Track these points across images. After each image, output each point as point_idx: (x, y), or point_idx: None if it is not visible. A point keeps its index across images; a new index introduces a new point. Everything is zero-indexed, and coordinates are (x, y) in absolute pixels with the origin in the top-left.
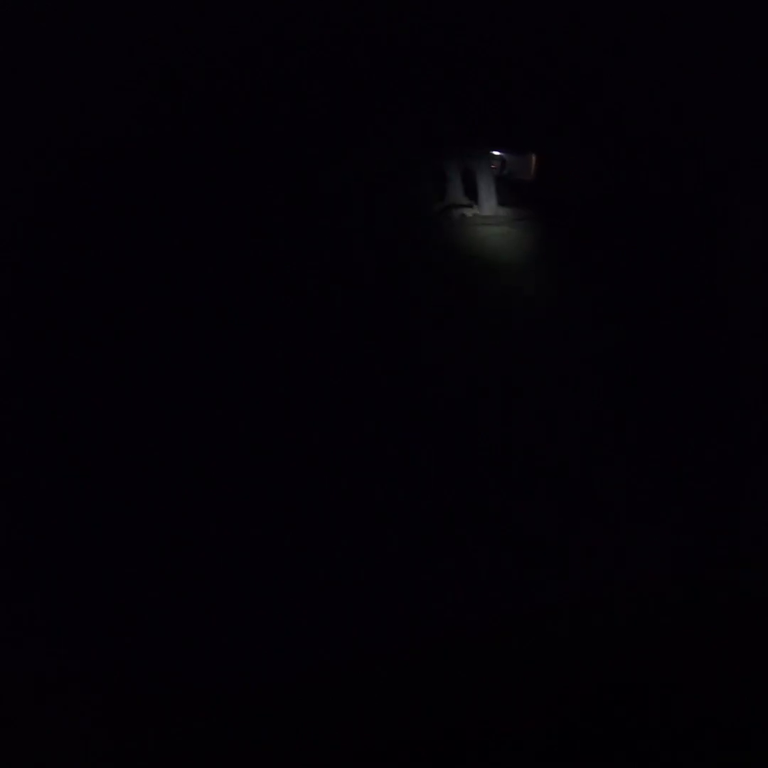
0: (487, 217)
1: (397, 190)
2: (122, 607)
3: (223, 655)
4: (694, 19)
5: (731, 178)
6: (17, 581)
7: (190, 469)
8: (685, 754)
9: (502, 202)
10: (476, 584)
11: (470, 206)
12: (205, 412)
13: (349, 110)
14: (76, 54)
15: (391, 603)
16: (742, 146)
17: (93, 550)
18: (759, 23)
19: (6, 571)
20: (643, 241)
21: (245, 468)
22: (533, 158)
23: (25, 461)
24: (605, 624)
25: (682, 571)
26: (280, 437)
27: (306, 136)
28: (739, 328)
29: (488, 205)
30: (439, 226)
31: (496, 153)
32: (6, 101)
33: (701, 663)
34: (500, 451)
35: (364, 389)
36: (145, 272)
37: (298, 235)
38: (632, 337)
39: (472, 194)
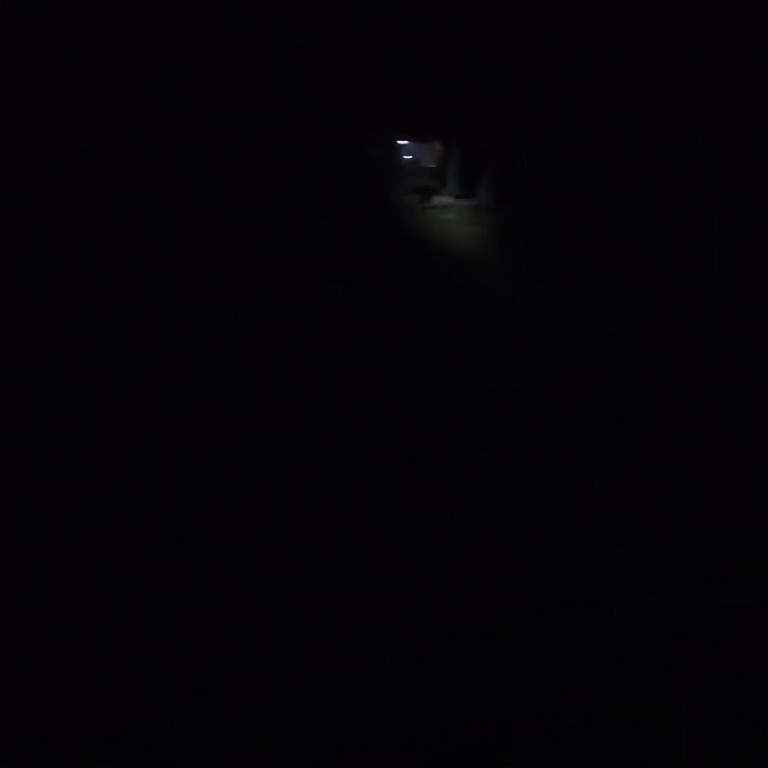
0: (451, 204)
1: (370, 180)
2: (122, 608)
3: (222, 655)
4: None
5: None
6: (16, 581)
7: (190, 469)
8: (685, 754)
9: (465, 191)
10: (476, 584)
11: (436, 194)
12: (200, 410)
13: (344, 111)
14: (75, 53)
15: (391, 603)
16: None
17: (92, 550)
18: (759, 23)
19: (6, 571)
20: (615, 232)
21: (244, 467)
22: (438, 146)
23: (24, 461)
24: (604, 624)
25: (680, 570)
26: (278, 436)
27: (302, 135)
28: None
29: (452, 192)
30: (407, 214)
31: (401, 141)
32: (5, 101)
33: (700, 663)
34: (496, 449)
35: (357, 385)
36: (141, 272)
37: (272, 231)
38: (624, 332)
39: (438, 182)
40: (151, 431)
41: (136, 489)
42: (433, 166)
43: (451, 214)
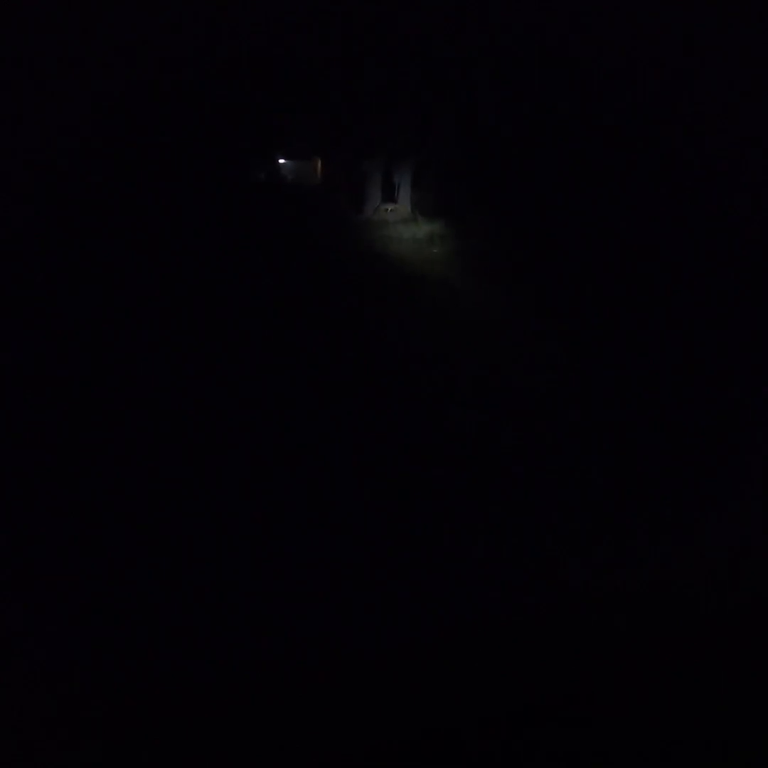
0: (407, 216)
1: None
2: (122, 606)
3: (223, 654)
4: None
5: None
6: (17, 579)
7: (190, 468)
8: (684, 754)
9: (418, 203)
10: (476, 584)
11: (392, 206)
12: (195, 412)
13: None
14: (74, 47)
15: (391, 603)
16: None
17: (93, 548)
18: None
19: (6, 570)
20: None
21: (244, 467)
22: (318, 164)
23: (25, 458)
24: (603, 624)
25: (678, 571)
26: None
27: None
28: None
29: (407, 204)
30: (365, 225)
31: (281, 161)
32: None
33: (698, 663)
34: (494, 451)
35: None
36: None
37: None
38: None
39: (392, 195)
40: (148, 428)
41: (136, 487)
42: (314, 183)
43: (452, 229)
